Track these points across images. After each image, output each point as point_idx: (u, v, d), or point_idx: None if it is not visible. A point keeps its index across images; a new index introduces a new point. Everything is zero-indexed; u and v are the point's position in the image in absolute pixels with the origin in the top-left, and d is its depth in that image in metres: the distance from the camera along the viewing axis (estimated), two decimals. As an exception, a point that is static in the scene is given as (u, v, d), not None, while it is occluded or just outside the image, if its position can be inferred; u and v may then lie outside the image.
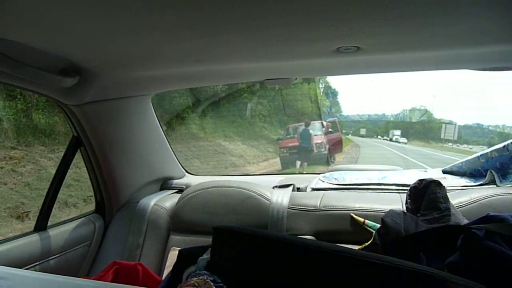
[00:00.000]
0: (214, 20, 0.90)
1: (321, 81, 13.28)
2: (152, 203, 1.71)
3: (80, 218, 1.67)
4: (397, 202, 1.43)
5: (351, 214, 1.42)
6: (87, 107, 1.48)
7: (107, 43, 1.06)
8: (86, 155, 1.65)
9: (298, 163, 9.39)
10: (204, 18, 0.88)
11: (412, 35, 1.01)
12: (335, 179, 1.79)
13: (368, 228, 1.36)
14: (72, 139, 1.60)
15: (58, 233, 1.52)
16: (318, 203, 1.51)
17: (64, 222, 1.61)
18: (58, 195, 1.54)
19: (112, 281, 1.28)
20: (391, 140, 20.99)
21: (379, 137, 22.41)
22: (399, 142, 19.74)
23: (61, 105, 1.46)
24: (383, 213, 1.20)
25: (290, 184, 1.73)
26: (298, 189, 1.75)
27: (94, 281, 1.16)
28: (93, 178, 1.71)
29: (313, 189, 1.74)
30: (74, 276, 1.25)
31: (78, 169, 4.25)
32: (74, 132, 1.58)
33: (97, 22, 0.90)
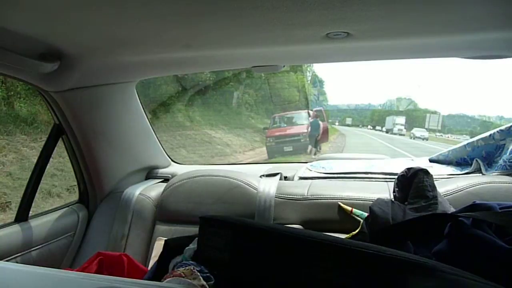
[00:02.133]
0: (202, 4, 0.87)
1: (308, 69, 13.25)
2: (137, 192, 1.69)
3: (63, 208, 1.63)
4: (385, 191, 1.43)
5: (339, 203, 1.42)
6: (68, 94, 1.43)
7: (90, 27, 1.02)
8: (68, 144, 1.60)
9: (309, 147, 9.73)
10: (192, 2, 0.85)
11: (402, 21, 0.99)
12: (323, 168, 1.78)
13: (356, 217, 1.36)
14: (53, 127, 1.55)
15: (40, 224, 1.48)
16: (306, 192, 1.50)
17: (47, 212, 1.57)
18: (41, 185, 1.50)
19: (96, 272, 1.26)
20: (388, 132, 15.87)
21: (369, 127, 18.70)
22: (414, 137, 14.10)
23: (41, 91, 1.41)
24: (371, 202, 1.20)
25: (278, 173, 1.71)
26: (286, 178, 1.74)
27: (78, 272, 1.14)
28: (76, 167, 1.67)
29: (301, 178, 1.73)
30: (57, 268, 1.23)
31: (62, 159, 4.17)
32: (55, 120, 1.54)
33: (79, 4, 0.86)
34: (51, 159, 1.55)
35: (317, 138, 10.15)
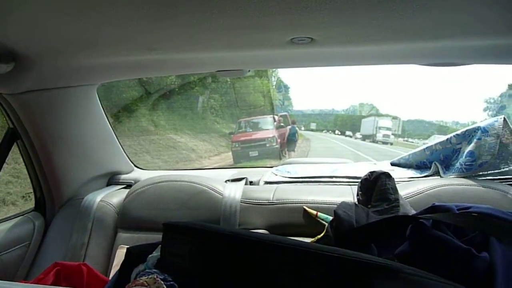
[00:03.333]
0: (164, 7, 0.85)
1: (273, 74, 13.31)
2: (98, 199, 1.63)
3: (17, 217, 1.55)
4: (349, 194, 1.46)
5: (304, 207, 1.43)
6: (24, 96, 1.37)
7: (46, 26, 0.97)
8: (23, 149, 1.53)
9: (289, 153, 10.22)
10: (153, 4, 0.83)
11: (365, 28, 1.02)
12: (288, 172, 1.79)
13: (321, 221, 1.37)
14: (7, 131, 1.48)
15: None
16: (271, 197, 1.50)
17: (-1, 221, 1.49)
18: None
19: (53, 283, 1.20)
20: (366, 139, 12.52)
21: (336, 132, 15.97)
22: None
23: (-7, 94, 1.34)
24: (335, 206, 1.21)
25: (243, 178, 1.71)
26: (251, 183, 1.74)
27: (33, 285, 1.08)
28: (32, 173, 1.59)
29: (266, 183, 1.73)
30: (11, 281, 1.17)
31: (18, 165, 3.99)
32: (10, 124, 1.47)
33: (32, 1, 0.82)
34: (5, 165, 1.47)
35: (296, 143, 10.78)
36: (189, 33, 1.05)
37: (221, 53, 1.28)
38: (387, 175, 1.26)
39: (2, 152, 1.46)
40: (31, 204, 1.71)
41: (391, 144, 11.79)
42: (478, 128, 1.48)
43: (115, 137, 1.88)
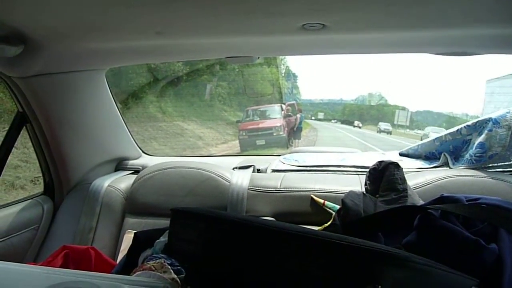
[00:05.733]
0: None
1: (282, 62, 13.19)
2: (106, 184, 1.64)
3: (26, 200, 1.57)
4: (356, 184, 1.45)
5: (311, 195, 1.43)
6: (33, 80, 1.37)
7: (55, 9, 0.97)
8: (33, 133, 1.53)
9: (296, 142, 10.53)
10: None
11: (377, 14, 1.00)
12: (296, 160, 1.79)
13: (328, 209, 1.37)
14: (17, 115, 1.49)
15: (1, 217, 1.42)
16: (279, 185, 1.50)
17: (9, 204, 1.50)
18: (4, 177, 1.44)
19: (61, 266, 1.21)
20: None
21: (356, 124, 14.16)
22: None
23: (3, 77, 1.34)
24: (343, 195, 1.20)
25: (250, 165, 1.71)
26: (259, 171, 1.74)
27: (42, 267, 1.10)
28: (41, 157, 1.60)
29: (274, 171, 1.73)
30: (20, 262, 1.18)
31: (27, 149, 4.02)
32: (19, 108, 1.47)
33: None
34: (14, 150, 1.48)
35: (301, 132, 11.36)
36: (198, 17, 1.04)
37: (230, 39, 1.26)
38: (395, 165, 1.25)
39: (12, 136, 1.47)
40: (39, 188, 1.73)
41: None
42: (489, 119, 1.46)
43: (123, 123, 1.88)
